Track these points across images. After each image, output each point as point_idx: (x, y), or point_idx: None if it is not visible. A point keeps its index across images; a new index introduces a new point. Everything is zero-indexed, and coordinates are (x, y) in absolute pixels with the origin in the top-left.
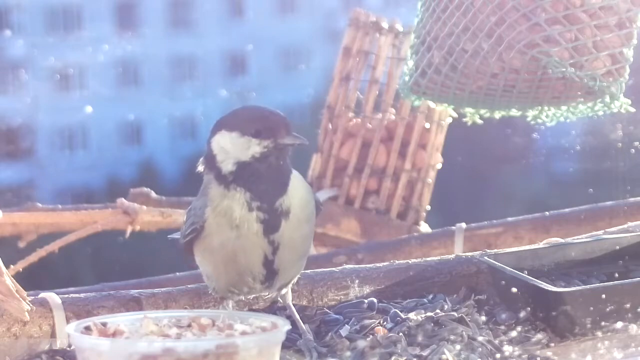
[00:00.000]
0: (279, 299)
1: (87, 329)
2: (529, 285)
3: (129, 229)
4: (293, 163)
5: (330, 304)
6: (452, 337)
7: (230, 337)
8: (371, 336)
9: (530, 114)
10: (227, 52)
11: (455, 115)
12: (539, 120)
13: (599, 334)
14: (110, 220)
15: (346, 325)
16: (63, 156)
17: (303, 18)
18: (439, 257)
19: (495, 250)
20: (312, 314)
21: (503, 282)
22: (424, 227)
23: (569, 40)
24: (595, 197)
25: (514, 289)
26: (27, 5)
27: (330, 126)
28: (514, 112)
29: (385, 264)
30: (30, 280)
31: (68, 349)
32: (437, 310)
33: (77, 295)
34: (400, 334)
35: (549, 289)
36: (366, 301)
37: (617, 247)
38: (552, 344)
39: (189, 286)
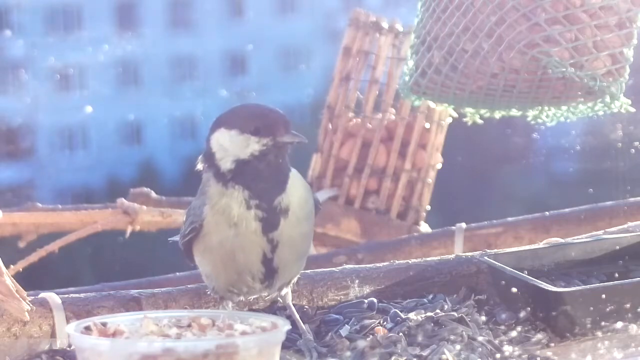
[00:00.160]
0: (279, 299)
1: (87, 329)
2: (529, 285)
3: (129, 229)
4: (293, 163)
5: (330, 304)
6: (452, 337)
7: (230, 337)
8: (371, 336)
9: (531, 114)
10: (227, 52)
11: (455, 115)
12: (539, 120)
13: (599, 334)
14: (110, 220)
15: (346, 325)
16: (63, 156)
17: (303, 18)
18: (439, 257)
19: (495, 250)
20: (312, 314)
21: (503, 282)
22: (424, 227)
23: (569, 40)
24: (595, 197)
25: (514, 289)
26: (27, 5)
27: (330, 126)
28: (514, 112)
29: (385, 264)
30: (30, 280)
31: (68, 349)
32: (437, 310)
33: (77, 295)
34: (400, 334)
35: (549, 289)
36: (366, 301)
37: (617, 247)
38: (552, 344)
39: (189, 286)
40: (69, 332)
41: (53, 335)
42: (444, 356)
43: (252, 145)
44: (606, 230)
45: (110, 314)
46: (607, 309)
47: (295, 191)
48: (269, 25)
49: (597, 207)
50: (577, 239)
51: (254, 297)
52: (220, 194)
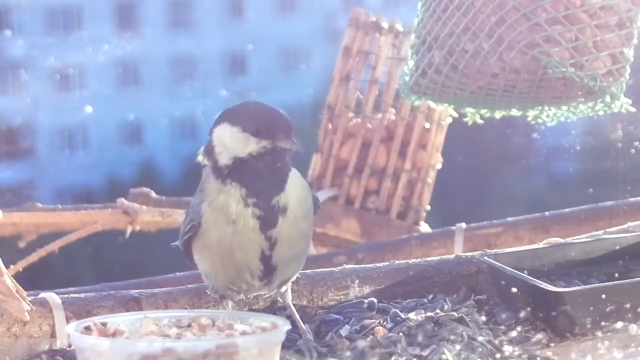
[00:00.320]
0: (278, 298)
1: (87, 329)
2: (529, 285)
3: (129, 229)
4: (293, 163)
5: (330, 304)
6: (452, 337)
7: (230, 337)
8: (371, 336)
9: (531, 114)
10: (227, 52)
11: (455, 115)
12: (539, 120)
13: (599, 334)
14: (110, 220)
15: (346, 325)
16: (63, 156)
17: (303, 18)
18: (439, 257)
19: (495, 250)
20: (312, 314)
21: (503, 282)
22: (424, 227)
23: (570, 40)
24: (595, 197)
25: (514, 289)
26: (27, 5)
27: (330, 126)
28: (515, 112)
29: (385, 264)
30: (30, 280)
31: (68, 349)
32: (437, 310)
33: (77, 295)
34: (400, 334)
35: (549, 289)
36: (366, 301)
37: (617, 247)
38: (552, 344)
39: (189, 286)
40: (69, 332)
41: (53, 335)
42: (444, 356)
43: (251, 146)
44: (606, 230)
45: (110, 314)
46: (607, 309)
47: (294, 190)
48: (269, 25)
49: (597, 207)
50: (577, 239)
51: (254, 295)
52: (218, 190)
